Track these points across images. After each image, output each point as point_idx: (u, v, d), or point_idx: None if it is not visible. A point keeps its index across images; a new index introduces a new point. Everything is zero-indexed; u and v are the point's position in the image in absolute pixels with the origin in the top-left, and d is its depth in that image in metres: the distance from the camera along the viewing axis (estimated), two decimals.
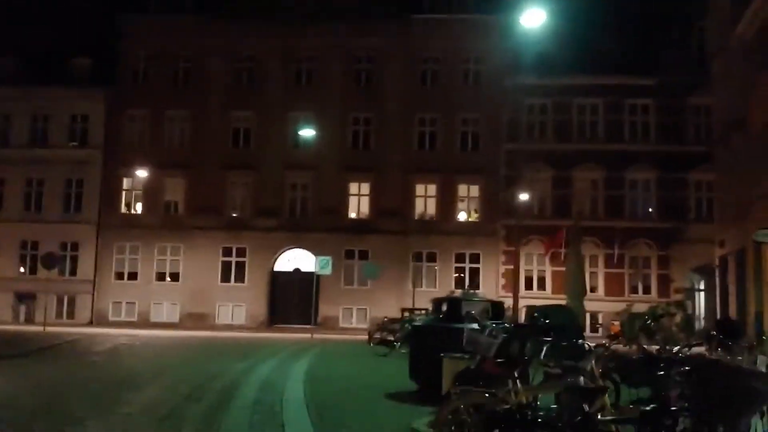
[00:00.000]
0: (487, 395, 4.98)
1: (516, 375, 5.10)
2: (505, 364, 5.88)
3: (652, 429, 3.61)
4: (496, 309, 9.86)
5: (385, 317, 24.14)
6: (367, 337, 25.18)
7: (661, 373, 4.20)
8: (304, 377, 12.64)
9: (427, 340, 9.75)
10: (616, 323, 34.17)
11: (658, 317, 19.27)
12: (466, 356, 8.82)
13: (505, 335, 7.06)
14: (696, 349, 8.39)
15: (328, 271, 30.40)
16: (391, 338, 19.01)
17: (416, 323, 10.39)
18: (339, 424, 8.43)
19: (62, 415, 8.63)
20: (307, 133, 34.29)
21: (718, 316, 25.60)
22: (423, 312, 21.66)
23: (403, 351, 18.42)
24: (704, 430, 3.50)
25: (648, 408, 3.64)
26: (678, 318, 25.03)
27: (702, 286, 36.61)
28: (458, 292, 20.68)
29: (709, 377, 3.78)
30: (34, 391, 10.88)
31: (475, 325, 7.79)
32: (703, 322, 34.95)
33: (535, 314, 11.12)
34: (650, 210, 36.31)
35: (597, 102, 36.48)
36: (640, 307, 29.68)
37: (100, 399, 10.08)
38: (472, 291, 11.75)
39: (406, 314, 22.66)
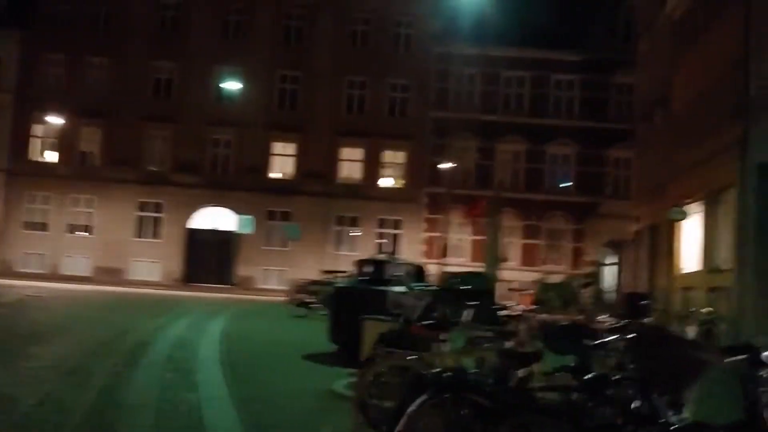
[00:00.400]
0: (412, 358, 4.87)
1: (442, 338, 5.01)
2: (431, 327, 5.79)
3: (592, 397, 3.57)
4: (418, 273, 9.79)
5: (306, 279, 23.94)
6: (286, 298, 24.94)
7: (588, 342, 4.17)
8: (219, 336, 12.35)
9: (349, 302, 9.62)
10: (528, 291, 35.15)
11: (576, 288, 19.75)
12: (388, 318, 8.75)
13: (429, 298, 6.98)
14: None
15: (249, 230, 29.93)
16: (311, 300, 18.85)
17: (338, 284, 10.27)
18: (254, 382, 8.24)
19: None
20: (231, 86, 33.22)
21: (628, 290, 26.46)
22: (344, 274, 21.52)
23: (322, 313, 18.35)
24: (647, 400, 3.47)
25: (590, 376, 3.58)
26: (590, 290, 25.76)
27: (612, 261, 37.85)
28: (381, 256, 20.86)
29: (657, 346, 3.75)
30: None
31: (401, 288, 7.68)
32: (613, 296, 36.23)
33: (452, 279, 11.17)
34: (568, 184, 37.06)
35: (524, 75, 36.84)
36: (553, 278, 30.41)
37: (2, 352, 9.57)
38: (394, 255, 11.63)
39: (328, 277, 22.50)
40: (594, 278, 28.06)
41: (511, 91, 36.99)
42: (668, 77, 23.22)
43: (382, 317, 8.77)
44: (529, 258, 36.01)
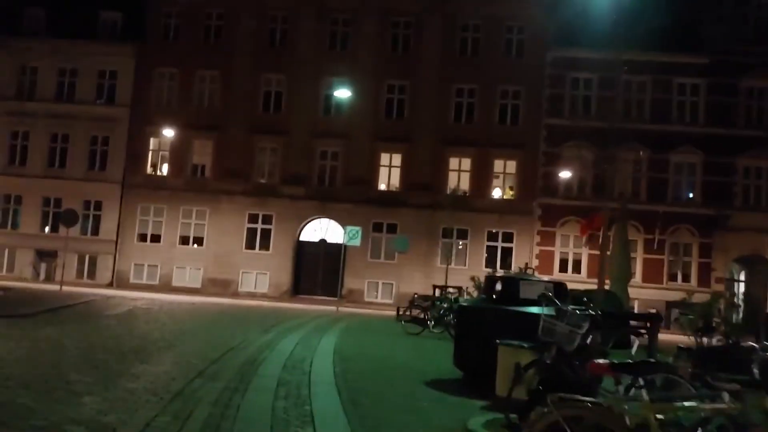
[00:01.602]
0: (599, 408, 3.71)
1: (640, 382, 3.87)
2: (621, 366, 4.61)
3: None
4: (559, 291, 8.54)
5: (415, 293, 22.94)
6: (395, 312, 24.02)
7: None
8: (332, 355, 11.45)
9: (479, 324, 8.50)
10: (653, 310, 32.83)
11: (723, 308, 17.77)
12: (526, 345, 7.58)
13: (588, 325, 5.77)
14: None
15: (357, 242, 29.19)
16: (423, 316, 17.82)
17: (463, 303, 9.15)
18: (375, 415, 7.24)
19: (54, 388, 7.51)
20: (342, 94, 32.67)
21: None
22: (456, 290, 20.40)
23: (436, 330, 17.28)
24: None
25: None
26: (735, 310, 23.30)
27: (743, 277, 35.02)
28: (514, 272, 19.31)
29: None
30: (29, 358, 9.81)
31: (548, 310, 6.51)
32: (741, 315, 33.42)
33: (584, 299, 9.79)
34: (690, 195, 34.61)
35: (645, 79, 34.64)
36: (694, 297, 27.77)
37: (104, 370, 8.98)
38: (529, 270, 10.57)
39: (438, 292, 21.42)
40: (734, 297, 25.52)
41: (630, 95, 34.85)
42: None
43: (520, 343, 7.61)
44: (651, 274, 33.73)
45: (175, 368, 9.51)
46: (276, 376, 8.98)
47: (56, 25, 36.62)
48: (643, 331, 6.12)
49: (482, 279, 15.74)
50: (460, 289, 20.72)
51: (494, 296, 8.69)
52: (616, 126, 33.68)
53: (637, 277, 33.48)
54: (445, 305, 17.68)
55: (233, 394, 7.62)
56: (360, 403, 7.58)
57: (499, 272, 17.91)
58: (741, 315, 27.30)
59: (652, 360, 5.30)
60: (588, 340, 6.21)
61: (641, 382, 4.42)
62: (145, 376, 8.65)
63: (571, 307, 6.19)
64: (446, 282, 21.69)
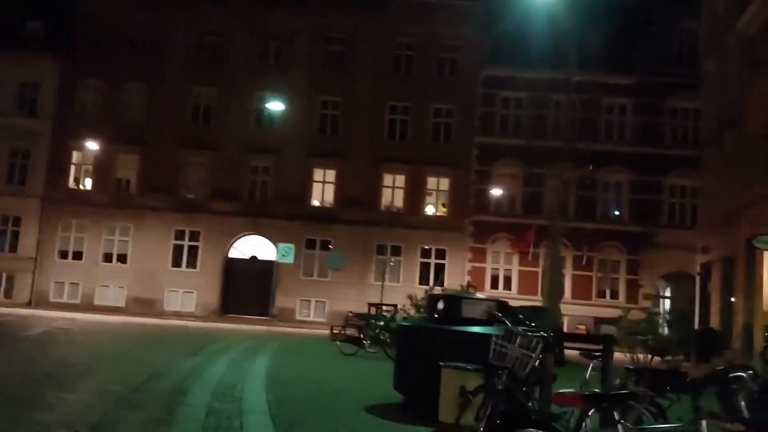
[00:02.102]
0: None
1: (615, 415, 3.54)
2: (593, 398, 4.28)
3: None
4: (501, 311, 8.26)
5: (350, 312, 22.47)
6: (328, 331, 23.48)
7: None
8: (265, 380, 10.88)
9: (419, 345, 8.14)
10: (582, 327, 33.21)
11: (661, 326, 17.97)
12: (470, 367, 7.25)
13: (541, 347, 5.46)
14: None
15: (290, 259, 28.64)
16: (359, 335, 17.36)
17: (403, 323, 8.75)
18: None
19: None
20: (275, 107, 31.93)
21: (696, 327, 24.51)
22: (391, 308, 20.05)
23: (372, 350, 16.86)
24: None
25: None
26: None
27: (668, 294, 35.77)
28: (438, 289, 19.03)
29: None
30: None
31: (494, 330, 6.19)
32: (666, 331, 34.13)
33: (520, 316, 9.55)
34: (616, 213, 35.30)
35: (573, 99, 35.11)
36: (633, 315, 28.17)
37: (14, 399, 8.21)
38: (469, 288, 10.29)
39: (373, 310, 21.03)
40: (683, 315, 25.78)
41: (559, 115, 35.35)
42: (740, 97, 21.52)
43: (464, 365, 7.27)
44: (580, 291, 34.07)
45: (94, 396, 8.83)
46: (205, 404, 8.39)
47: None
48: (597, 353, 5.89)
49: (419, 297, 15.45)
50: (395, 306, 20.41)
51: (436, 315, 8.34)
52: (544, 145, 34.31)
53: (567, 294, 33.75)
54: (381, 324, 17.29)
55: (158, 426, 7.03)
56: None
57: (437, 290, 17.59)
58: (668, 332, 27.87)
59: (628, 390, 5.01)
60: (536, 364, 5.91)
61: (616, 415, 4.12)
62: (60, 406, 7.95)
63: (521, 328, 5.88)
64: (381, 299, 21.31)
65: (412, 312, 15.17)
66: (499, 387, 5.54)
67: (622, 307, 33.62)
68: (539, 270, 34.18)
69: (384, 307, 21.08)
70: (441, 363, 7.44)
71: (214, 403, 8.54)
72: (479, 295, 9.81)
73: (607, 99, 35.13)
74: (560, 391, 4.50)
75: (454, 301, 8.41)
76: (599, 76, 34.27)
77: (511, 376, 5.69)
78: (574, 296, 34.03)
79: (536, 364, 5.82)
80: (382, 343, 16.40)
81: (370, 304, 21.66)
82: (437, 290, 14.86)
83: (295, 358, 15.45)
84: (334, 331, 21.53)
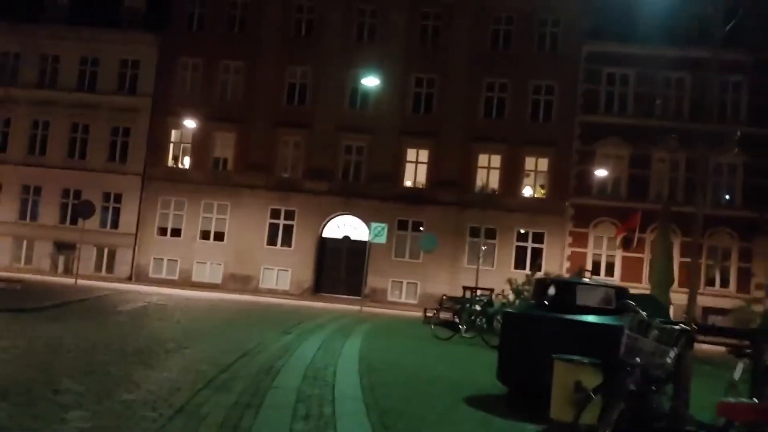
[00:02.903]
0: None
1: None
2: None
3: None
4: (620, 298, 7.37)
5: (444, 295, 21.78)
6: (420, 314, 22.92)
7: None
8: (358, 364, 10.34)
9: (528, 334, 7.37)
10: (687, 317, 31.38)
11: None
12: (586, 360, 6.44)
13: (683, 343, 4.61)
14: None
15: (382, 239, 28.12)
16: (454, 319, 16.63)
17: (509, 310, 7.98)
18: None
19: (37, 398, 6.49)
20: (370, 82, 31.08)
21: None
22: (488, 292, 19.21)
23: (467, 336, 16.13)
24: None
25: None
26: None
27: None
28: (539, 274, 17.77)
29: None
30: (20, 359, 8.81)
31: (620, 321, 5.37)
32: None
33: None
34: (727, 197, 33.10)
35: (684, 76, 33.14)
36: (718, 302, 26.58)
37: (101, 376, 7.94)
38: (585, 273, 9.43)
39: (468, 293, 20.24)
40: None
41: (669, 93, 33.42)
42: None
43: (579, 359, 6.46)
44: (688, 279, 32.06)
45: (182, 375, 8.48)
46: (295, 388, 7.89)
47: (79, 13, 35.94)
48: (748, 350, 5.04)
49: (519, 281, 14.58)
50: (491, 291, 19.57)
51: (546, 302, 7.54)
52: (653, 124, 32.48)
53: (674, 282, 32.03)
54: (478, 308, 16.53)
55: (244, 412, 6.54)
56: (393, 426, 6.46)
57: (538, 275, 16.52)
58: None
59: None
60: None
61: None
62: (145, 385, 7.62)
63: (658, 319, 5.02)
64: (476, 283, 20.45)
65: (511, 297, 14.31)
66: (632, 387, 4.72)
67: (732, 296, 31.80)
68: (644, 256, 32.61)
69: (479, 291, 20.28)
70: (553, 355, 6.66)
71: (305, 387, 8.03)
72: (594, 280, 8.92)
73: (721, 77, 32.75)
74: (728, 399, 3.68)
75: (567, 286, 7.58)
76: (712, 52, 32.00)
77: (643, 375, 4.87)
78: (681, 285, 32.17)
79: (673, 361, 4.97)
80: (479, 329, 15.63)
81: (465, 288, 20.86)
82: (538, 275, 13.94)
83: (388, 341, 14.90)
84: (428, 314, 20.96)
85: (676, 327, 4.90)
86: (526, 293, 13.56)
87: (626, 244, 32.56)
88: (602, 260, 33.11)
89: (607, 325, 6.75)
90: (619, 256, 32.95)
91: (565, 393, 6.41)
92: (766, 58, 31.87)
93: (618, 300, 7.49)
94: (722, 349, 6.51)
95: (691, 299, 16.16)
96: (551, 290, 7.58)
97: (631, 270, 32.22)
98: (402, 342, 14.89)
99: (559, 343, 6.98)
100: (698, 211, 15.43)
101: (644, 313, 4.97)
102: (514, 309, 8.47)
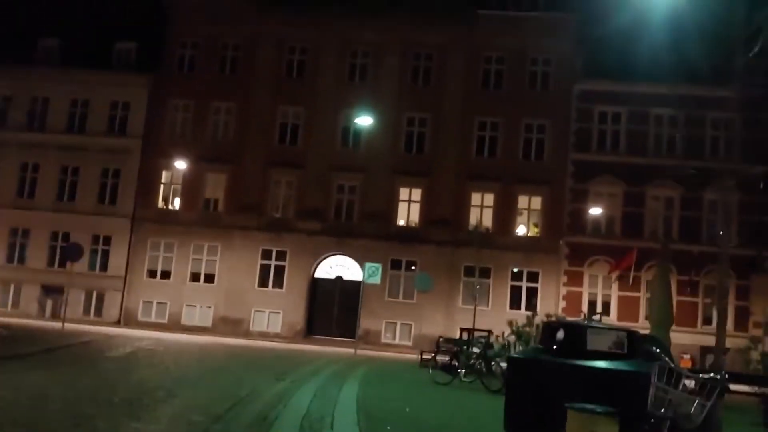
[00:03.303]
0: None
1: None
2: None
3: None
4: (631, 342, 7.03)
5: (440, 336, 21.30)
6: (416, 356, 22.40)
7: None
8: (356, 413, 9.88)
9: (536, 381, 6.98)
10: (686, 357, 30.94)
11: None
12: (599, 410, 6.06)
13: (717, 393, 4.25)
14: None
15: (377, 279, 27.72)
16: (452, 363, 16.17)
17: (516, 355, 7.61)
18: None
19: None
20: (363, 121, 30.98)
21: None
22: (486, 334, 18.74)
23: (467, 380, 15.66)
24: None
25: None
26: None
27: None
28: (578, 319, 17.13)
29: None
30: (4, 413, 8.32)
31: (647, 367, 5.00)
32: None
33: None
34: (721, 233, 32.74)
35: (676, 113, 33.18)
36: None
37: (81, 429, 7.47)
38: (595, 315, 9.05)
39: (465, 335, 19.75)
40: None
41: (662, 130, 33.46)
42: None
43: (593, 407, 6.08)
44: (684, 318, 31.73)
45: (172, 427, 8.01)
46: None
47: (70, 55, 35.90)
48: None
49: (520, 323, 14.20)
50: (489, 332, 19.11)
51: (554, 347, 7.17)
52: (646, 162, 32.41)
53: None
54: (476, 351, 16.07)
55: None
56: None
57: (539, 317, 16.07)
58: None
59: None
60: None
61: None
62: None
63: (687, 370, 4.66)
64: (473, 324, 19.96)
65: (512, 339, 13.89)
66: None
67: (730, 335, 31.34)
68: (640, 295, 32.32)
69: (476, 333, 19.80)
70: (567, 404, 6.27)
71: None
72: (604, 323, 8.57)
73: (713, 113, 32.89)
74: None
75: (577, 329, 7.21)
76: (705, 89, 32.22)
77: (671, 428, 4.49)
78: (678, 324, 31.73)
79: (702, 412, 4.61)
80: (479, 373, 15.17)
81: (462, 330, 20.38)
82: (538, 318, 13.53)
83: (385, 387, 14.40)
84: (424, 357, 20.47)
85: (706, 376, 4.55)
86: (526, 335, 13.20)
87: (621, 283, 32.24)
88: (598, 299, 32.72)
89: (628, 371, 6.38)
90: (615, 295, 32.61)
91: None
92: (756, 95, 31.91)
93: (630, 344, 7.12)
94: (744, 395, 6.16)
95: (719, 343, 15.62)
96: (560, 334, 7.21)
97: (628, 309, 31.91)
98: (400, 388, 14.41)
99: (571, 391, 6.60)
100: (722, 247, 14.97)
101: (670, 362, 4.62)
102: (520, 354, 8.07)
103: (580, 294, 32.85)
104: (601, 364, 6.70)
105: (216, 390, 11.71)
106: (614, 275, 32.02)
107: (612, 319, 31.65)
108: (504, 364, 15.10)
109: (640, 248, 31.54)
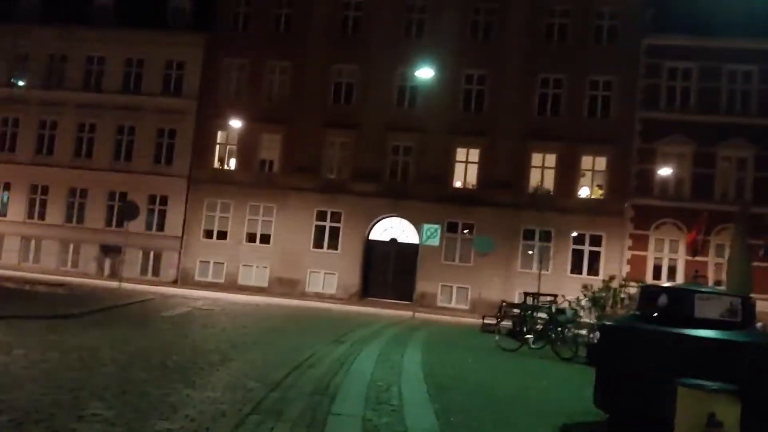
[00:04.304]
0: None
1: None
2: None
3: None
4: (746, 310, 6.13)
5: (503, 301, 20.48)
6: (475, 320, 21.69)
7: None
8: (424, 383, 9.19)
9: (636, 352, 6.15)
10: (760, 325, 29.55)
11: None
12: (716, 387, 5.23)
13: None
14: None
15: (435, 241, 26.95)
16: (519, 328, 15.34)
17: (608, 323, 6.79)
18: None
19: (60, 427, 5.49)
20: (424, 74, 28.86)
21: None
22: (552, 299, 17.82)
23: (535, 347, 14.85)
24: None
25: None
26: None
27: None
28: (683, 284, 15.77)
29: None
30: (49, 373, 7.90)
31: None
32: None
33: None
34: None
35: (751, 69, 31.28)
36: None
37: (136, 397, 6.95)
38: (701, 279, 8.16)
39: (530, 300, 18.87)
40: None
41: (735, 87, 31.59)
42: None
43: (710, 385, 5.25)
44: (760, 284, 30.16)
45: (227, 395, 7.46)
46: (359, 416, 6.79)
47: (124, 14, 35.59)
48: None
49: (596, 287, 13.27)
50: (555, 297, 18.18)
51: (656, 314, 6.31)
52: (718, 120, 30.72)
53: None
54: (543, 316, 15.21)
55: None
56: None
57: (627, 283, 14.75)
58: None
59: None
60: None
61: None
62: (185, 408, 6.60)
63: None
64: (539, 288, 19.02)
65: (586, 304, 12.93)
66: None
67: None
68: (709, 259, 30.91)
69: (543, 297, 18.90)
70: (679, 380, 5.44)
71: (370, 414, 6.93)
72: (711, 287, 7.63)
73: None
74: None
75: (683, 295, 6.33)
76: None
77: None
78: (755, 290, 30.37)
79: None
80: (548, 339, 14.32)
81: (527, 294, 19.50)
82: (615, 282, 12.45)
83: (449, 353, 13.71)
84: (486, 322, 19.72)
85: None
86: (603, 301, 12.28)
87: (690, 248, 30.82)
88: (664, 264, 31.41)
89: (752, 343, 5.55)
90: (682, 259, 31.21)
91: (696, 426, 5.21)
92: None
93: (745, 312, 6.23)
94: None
95: None
96: (662, 299, 6.34)
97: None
98: (465, 354, 13.69)
99: (679, 365, 5.78)
100: None
101: None
102: (616, 321, 7.21)
103: (645, 258, 31.56)
104: (715, 334, 5.84)
105: (273, 353, 11.19)
106: (696, 244, 30.56)
107: (680, 284, 30.33)
108: (578, 331, 14.27)
109: (711, 211, 30.08)
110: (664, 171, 31.27)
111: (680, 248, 31.20)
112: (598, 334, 6.88)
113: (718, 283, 30.55)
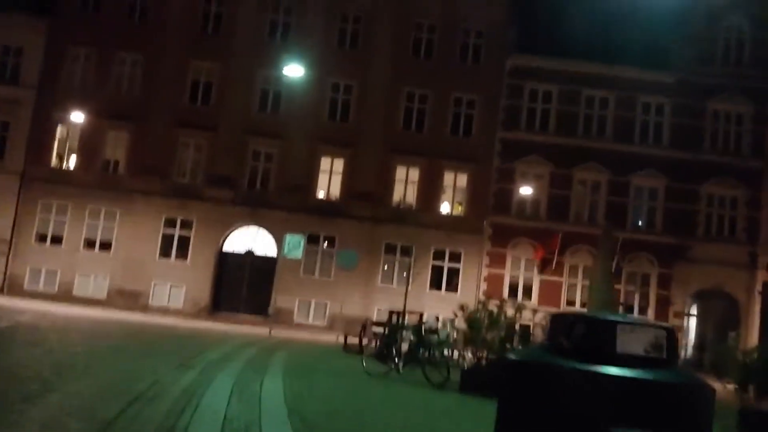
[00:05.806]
0: None
1: None
2: None
3: None
4: (670, 343, 5.32)
5: (367, 319, 19.43)
6: (335, 339, 20.52)
7: None
8: (288, 418, 7.84)
9: (548, 393, 5.18)
10: None
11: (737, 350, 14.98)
12: None
13: None
14: None
15: (298, 253, 25.62)
16: (386, 351, 14.25)
17: (514, 357, 5.79)
18: None
19: None
20: (294, 71, 26.84)
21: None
22: (419, 318, 16.89)
23: (404, 371, 13.80)
24: None
25: None
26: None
27: (694, 312, 32.94)
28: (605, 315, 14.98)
29: None
30: None
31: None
32: (690, 351, 31.41)
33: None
34: (639, 223, 32.22)
35: (608, 95, 32.34)
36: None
37: None
38: (625, 308, 7.45)
39: (395, 319, 17.89)
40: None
41: (592, 112, 32.53)
42: None
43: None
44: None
45: None
46: None
47: None
48: None
49: (470, 308, 12.45)
50: (421, 316, 17.29)
51: (569, 347, 5.37)
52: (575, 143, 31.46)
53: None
54: (412, 338, 14.23)
55: None
56: None
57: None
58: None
59: None
60: None
61: None
62: None
63: None
64: (405, 306, 18.14)
65: (463, 327, 12.11)
66: None
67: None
68: (563, 280, 31.54)
69: (408, 316, 17.98)
70: (612, 429, 4.49)
71: None
72: (633, 316, 6.83)
73: (644, 97, 32.24)
74: None
75: (603, 325, 5.43)
76: (637, 72, 31.52)
77: None
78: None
79: None
80: (419, 362, 13.35)
81: (392, 312, 18.50)
82: (492, 304, 11.70)
83: (314, 379, 12.37)
84: (348, 342, 18.59)
85: None
86: (478, 324, 11.48)
87: (544, 267, 31.35)
88: (520, 282, 31.68)
89: (695, 384, 4.77)
90: (536, 279, 31.63)
91: None
92: (689, 81, 31.49)
93: (669, 347, 5.41)
94: None
95: None
96: (578, 329, 5.43)
97: (549, 294, 30.99)
98: (331, 381, 12.41)
99: (606, 411, 4.85)
100: None
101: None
102: (523, 356, 6.22)
103: (502, 276, 31.75)
104: (640, 374, 4.98)
105: (107, 382, 9.45)
106: (537, 260, 31.08)
107: (533, 303, 30.56)
108: (448, 352, 13.45)
109: (565, 232, 30.73)
110: (523, 190, 31.64)
111: (536, 267, 31.60)
112: (504, 369, 5.87)
113: (570, 303, 31.26)
